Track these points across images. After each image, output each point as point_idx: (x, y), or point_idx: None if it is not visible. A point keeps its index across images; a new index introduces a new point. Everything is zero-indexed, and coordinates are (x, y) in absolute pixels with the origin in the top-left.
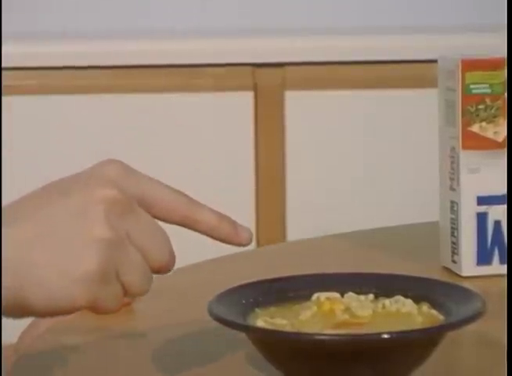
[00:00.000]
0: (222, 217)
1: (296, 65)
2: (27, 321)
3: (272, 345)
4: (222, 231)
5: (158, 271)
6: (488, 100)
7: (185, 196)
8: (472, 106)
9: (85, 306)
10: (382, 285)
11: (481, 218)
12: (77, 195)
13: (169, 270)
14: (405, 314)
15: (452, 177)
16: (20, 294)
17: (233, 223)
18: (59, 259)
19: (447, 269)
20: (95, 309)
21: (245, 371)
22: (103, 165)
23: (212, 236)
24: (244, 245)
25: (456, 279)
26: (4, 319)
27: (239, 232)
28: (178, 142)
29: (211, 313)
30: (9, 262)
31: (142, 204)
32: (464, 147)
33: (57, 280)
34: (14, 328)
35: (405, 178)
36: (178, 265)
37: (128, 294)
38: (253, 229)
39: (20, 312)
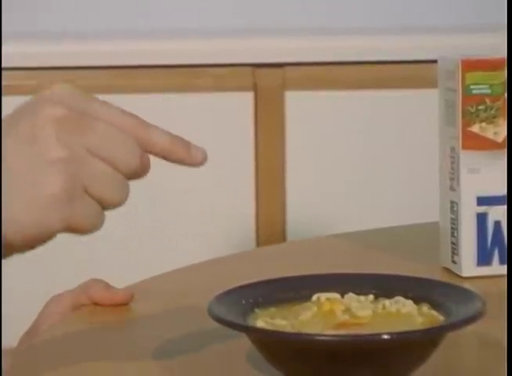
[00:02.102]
0: (175, 138)
1: (296, 65)
2: (26, 324)
3: (272, 345)
4: (176, 152)
5: (133, 176)
6: (488, 101)
7: (137, 118)
8: (472, 107)
9: (62, 229)
10: (382, 286)
11: (481, 218)
12: (23, 122)
13: (146, 172)
14: (405, 315)
15: (452, 177)
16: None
17: (186, 144)
18: (23, 190)
19: (447, 270)
20: (74, 229)
21: (245, 371)
22: (50, 89)
23: (165, 158)
24: (197, 165)
25: (456, 279)
26: (4, 323)
27: (192, 152)
28: None
29: (211, 314)
30: None
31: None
32: (464, 147)
33: (25, 210)
34: (14, 332)
35: (405, 178)
36: (177, 266)
37: (106, 207)
38: (253, 229)
39: (5, 251)
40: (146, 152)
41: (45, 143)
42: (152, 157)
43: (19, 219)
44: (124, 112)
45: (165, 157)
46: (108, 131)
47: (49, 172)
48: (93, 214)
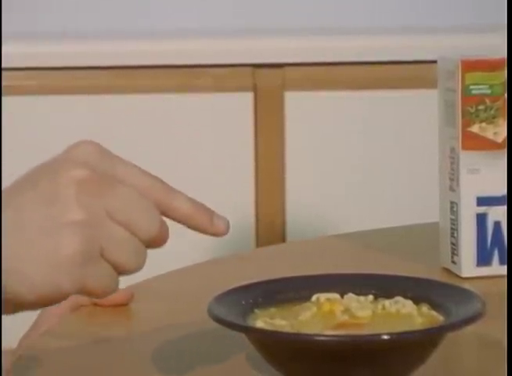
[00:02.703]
0: (198, 205)
1: (296, 66)
2: (26, 326)
3: (272, 345)
4: (197, 220)
5: (152, 244)
6: (487, 101)
7: (161, 181)
8: (472, 107)
9: (74, 291)
10: (382, 286)
11: (481, 218)
12: (45, 181)
13: (164, 242)
14: (404, 315)
15: (452, 178)
16: (8, 290)
17: (209, 212)
18: (38, 249)
19: (447, 270)
20: (87, 292)
21: (245, 372)
22: (75, 147)
23: (187, 225)
24: (220, 235)
25: (455, 280)
26: (4, 324)
27: (215, 222)
28: (178, 142)
29: (211, 314)
30: None
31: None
32: (464, 148)
33: (39, 270)
34: (14, 333)
35: (405, 178)
36: (177, 266)
37: (122, 272)
38: (253, 229)
39: (12, 307)
40: (166, 216)
41: (65, 204)
42: (150, 158)
43: (31, 278)
44: (148, 174)
45: (186, 224)
46: (129, 195)
47: (66, 234)
48: (107, 278)
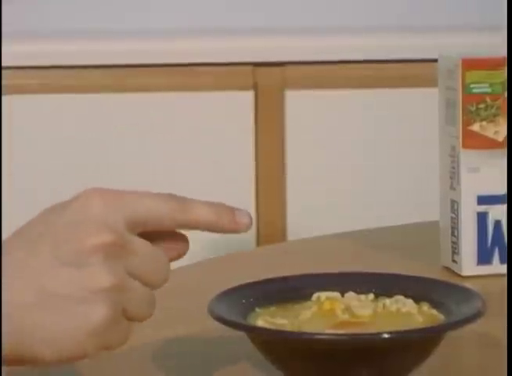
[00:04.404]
0: (218, 209)
1: (296, 64)
2: None
3: (272, 344)
4: (222, 224)
5: (158, 287)
6: (488, 99)
7: (175, 199)
8: (472, 106)
9: (96, 352)
10: (382, 285)
11: (482, 217)
12: (70, 245)
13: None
14: (405, 314)
15: (453, 176)
16: (28, 355)
17: (230, 211)
18: (66, 317)
19: (447, 269)
20: (107, 349)
21: (245, 371)
22: (86, 203)
23: (213, 231)
24: (246, 231)
25: (456, 278)
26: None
27: (237, 220)
28: (178, 141)
29: (212, 313)
30: (9, 321)
31: (136, 226)
32: (464, 146)
33: (67, 338)
34: None
35: (405, 177)
36: (178, 264)
37: (134, 321)
38: (253, 230)
39: (23, 362)
40: (189, 229)
41: (94, 271)
42: (150, 158)
43: (56, 345)
44: (160, 199)
45: (211, 231)
46: (146, 250)
47: (96, 301)
48: (125, 334)
